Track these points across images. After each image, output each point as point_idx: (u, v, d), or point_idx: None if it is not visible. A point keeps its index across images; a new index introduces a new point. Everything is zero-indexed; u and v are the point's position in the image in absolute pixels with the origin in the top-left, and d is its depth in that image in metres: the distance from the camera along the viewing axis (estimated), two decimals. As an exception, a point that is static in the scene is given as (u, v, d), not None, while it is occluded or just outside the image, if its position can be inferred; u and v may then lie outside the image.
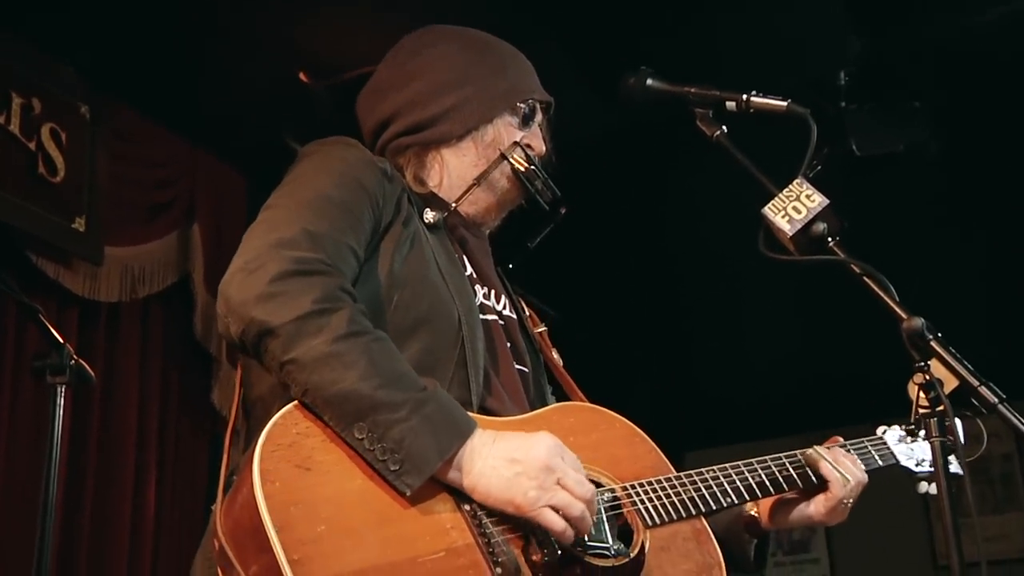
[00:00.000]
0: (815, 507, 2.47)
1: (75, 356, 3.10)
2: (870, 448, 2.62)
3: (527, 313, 2.64)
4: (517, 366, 2.41)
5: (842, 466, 2.47)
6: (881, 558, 8.27)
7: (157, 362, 5.20)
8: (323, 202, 2.18)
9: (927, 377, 1.94)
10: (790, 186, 2.18)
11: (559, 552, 2.03)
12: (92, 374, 3.15)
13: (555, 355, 2.62)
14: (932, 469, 2.56)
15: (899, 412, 2.00)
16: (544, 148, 2.57)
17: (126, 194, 5.11)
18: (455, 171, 2.48)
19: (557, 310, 7.07)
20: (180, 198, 5.35)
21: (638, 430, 2.39)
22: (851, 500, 2.47)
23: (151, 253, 5.19)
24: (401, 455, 1.93)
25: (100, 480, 4.72)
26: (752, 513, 2.52)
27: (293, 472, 1.90)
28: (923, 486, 2.66)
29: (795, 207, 2.17)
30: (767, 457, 2.45)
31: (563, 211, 2.57)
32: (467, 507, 2.01)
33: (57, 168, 4.75)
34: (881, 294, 2.05)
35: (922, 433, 2.46)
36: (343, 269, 2.11)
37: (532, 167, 2.48)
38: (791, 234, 2.15)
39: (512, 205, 2.55)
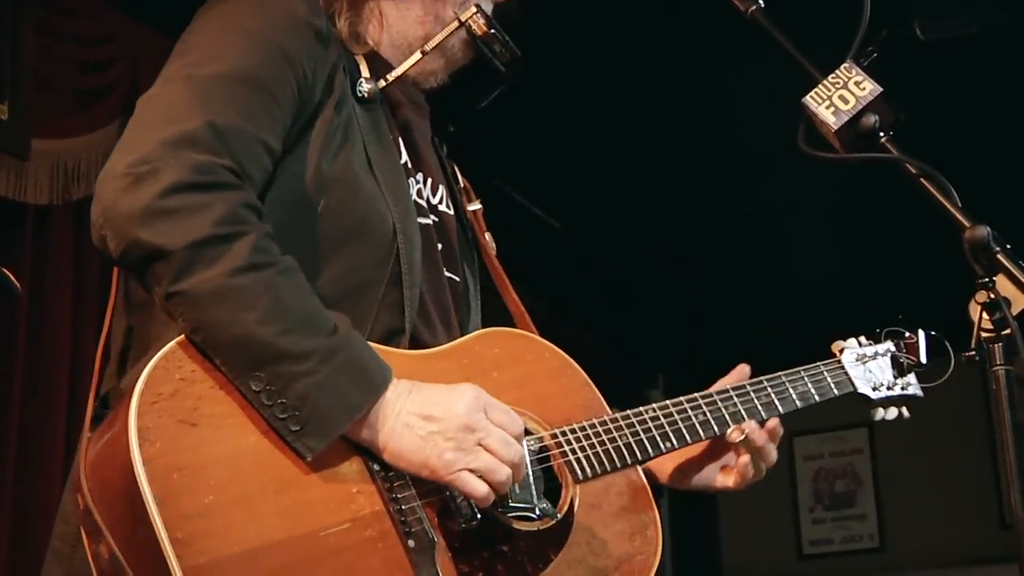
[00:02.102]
0: (704, 479, 2.57)
1: (-2, 266, 3.10)
2: (825, 374, 2.67)
3: (461, 185, 2.64)
4: (447, 273, 2.41)
5: (761, 456, 2.51)
6: (939, 516, 8.34)
7: (94, 276, 5.18)
8: (234, 81, 2.09)
9: (991, 295, 1.95)
10: (837, 71, 2.18)
11: (478, 516, 2.07)
12: (18, 286, 3.15)
13: (488, 238, 2.64)
14: (890, 393, 2.72)
15: (964, 338, 2.01)
16: None
17: (56, 76, 5.07)
18: (395, 27, 2.44)
19: (565, 221, 7.07)
20: (121, 83, 5.30)
21: (570, 360, 2.42)
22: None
23: (87, 147, 5.15)
24: (304, 414, 1.93)
25: (28, 409, 4.74)
26: None
27: (176, 429, 1.88)
28: (879, 412, 2.75)
29: (842, 96, 2.17)
30: (729, 388, 2.53)
31: (520, 68, 2.51)
32: (376, 467, 2.03)
33: (-29, 44, 4.71)
34: (940, 198, 2.06)
35: (882, 347, 2.72)
36: (252, 174, 2.05)
37: (492, 31, 2.43)
38: (836, 128, 2.15)
39: (460, 64, 2.51)
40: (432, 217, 2.42)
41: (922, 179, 2.08)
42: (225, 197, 1.96)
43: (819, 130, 2.19)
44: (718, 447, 2.54)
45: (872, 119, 2.14)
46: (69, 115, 5.12)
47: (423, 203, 2.40)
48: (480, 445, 2.04)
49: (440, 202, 2.47)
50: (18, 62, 4.85)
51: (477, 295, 2.57)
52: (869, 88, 2.15)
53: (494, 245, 2.64)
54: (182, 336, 1.96)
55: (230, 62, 2.11)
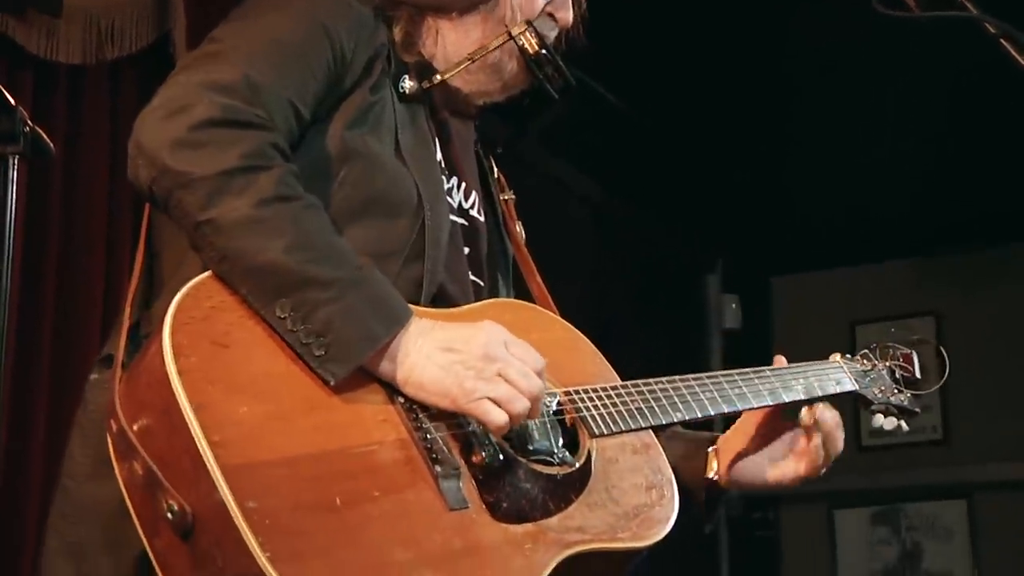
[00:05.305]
0: (778, 471, 2.73)
1: (30, 122, 3.13)
2: (829, 373, 2.92)
3: (495, 176, 2.79)
4: (472, 277, 2.56)
5: (831, 442, 2.74)
6: (1006, 410, 8.33)
7: (130, 136, 5.22)
8: (275, 47, 2.29)
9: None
10: (914, -77, 2.16)
11: (500, 457, 2.21)
12: (51, 145, 3.19)
13: (519, 228, 2.81)
14: (890, 400, 3.00)
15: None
16: (571, 17, 2.63)
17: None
18: (452, 47, 2.56)
19: (623, 94, 7.00)
20: (157, -66, 5.29)
21: (581, 335, 2.60)
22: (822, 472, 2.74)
23: (121, 4, 5.15)
24: (328, 339, 2.07)
25: (64, 274, 4.81)
26: (710, 476, 2.74)
27: (209, 348, 2.03)
28: (878, 419, 3.03)
29: (919, -51, 2.15)
30: (734, 372, 2.69)
31: (572, 95, 2.66)
32: (401, 399, 2.18)
33: None
34: (1022, 60, 2.04)
35: (880, 363, 3.03)
36: (280, 126, 2.22)
37: (543, 51, 2.54)
38: (912, -17, 2.13)
39: (518, 88, 2.63)
40: (461, 220, 2.57)
41: (1002, 39, 2.07)
42: (254, 136, 2.14)
43: (894, -14, 2.17)
44: (775, 442, 2.75)
45: (950, -27, 2.12)
46: (102, -31, 5.11)
47: (453, 204, 2.55)
48: (500, 375, 2.18)
49: (472, 207, 2.63)
50: (49, -91, 4.84)
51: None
52: (948, -59, 2.13)
53: (523, 234, 2.82)
54: (209, 272, 2.12)
55: (274, 30, 2.32)
